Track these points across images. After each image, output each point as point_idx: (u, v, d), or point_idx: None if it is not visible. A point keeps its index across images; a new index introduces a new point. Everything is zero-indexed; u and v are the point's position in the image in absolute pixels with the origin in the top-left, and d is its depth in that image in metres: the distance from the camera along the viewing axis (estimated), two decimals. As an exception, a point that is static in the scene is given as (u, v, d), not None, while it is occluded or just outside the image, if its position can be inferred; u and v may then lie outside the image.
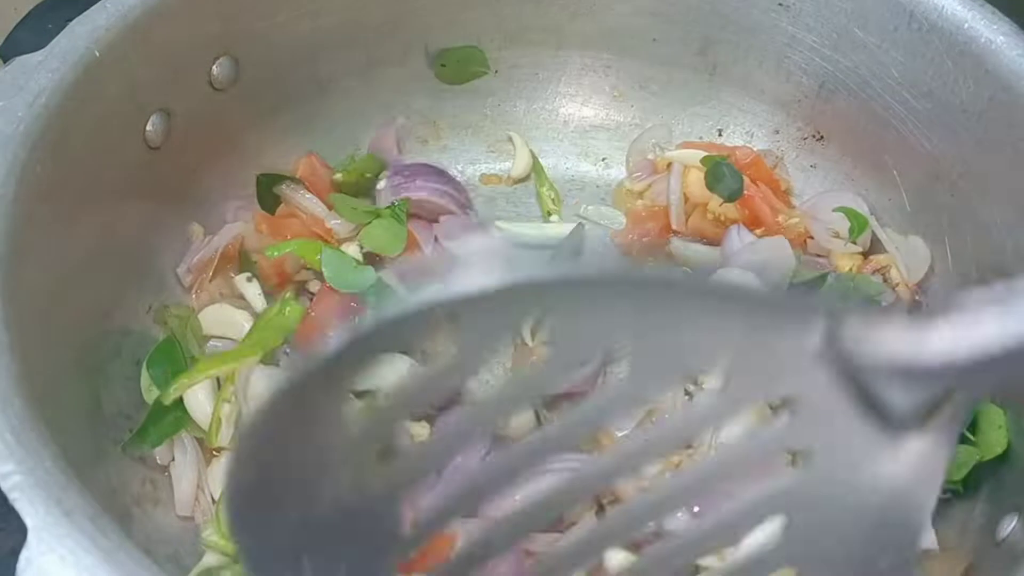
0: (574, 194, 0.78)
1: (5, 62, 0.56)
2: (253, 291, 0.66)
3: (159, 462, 0.59)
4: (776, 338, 0.28)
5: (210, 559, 0.55)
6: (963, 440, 0.58)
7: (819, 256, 0.70)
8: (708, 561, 0.38)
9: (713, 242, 0.72)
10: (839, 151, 0.75)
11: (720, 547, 0.34)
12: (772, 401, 0.32)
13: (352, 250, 0.66)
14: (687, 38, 0.76)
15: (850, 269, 0.68)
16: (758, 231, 0.70)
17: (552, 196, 0.78)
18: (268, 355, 0.60)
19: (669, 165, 0.75)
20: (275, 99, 0.71)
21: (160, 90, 0.61)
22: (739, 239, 0.69)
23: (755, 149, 0.76)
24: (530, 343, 0.34)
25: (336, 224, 0.68)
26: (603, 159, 0.80)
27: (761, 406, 0.33)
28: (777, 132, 0.77)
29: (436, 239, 0.70)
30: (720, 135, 0.79)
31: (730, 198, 0.72)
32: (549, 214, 0.77)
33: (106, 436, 0.57)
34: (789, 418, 0.31)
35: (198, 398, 0.59)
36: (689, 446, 0.34)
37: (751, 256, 0.67)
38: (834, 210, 0.71)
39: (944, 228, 0.67)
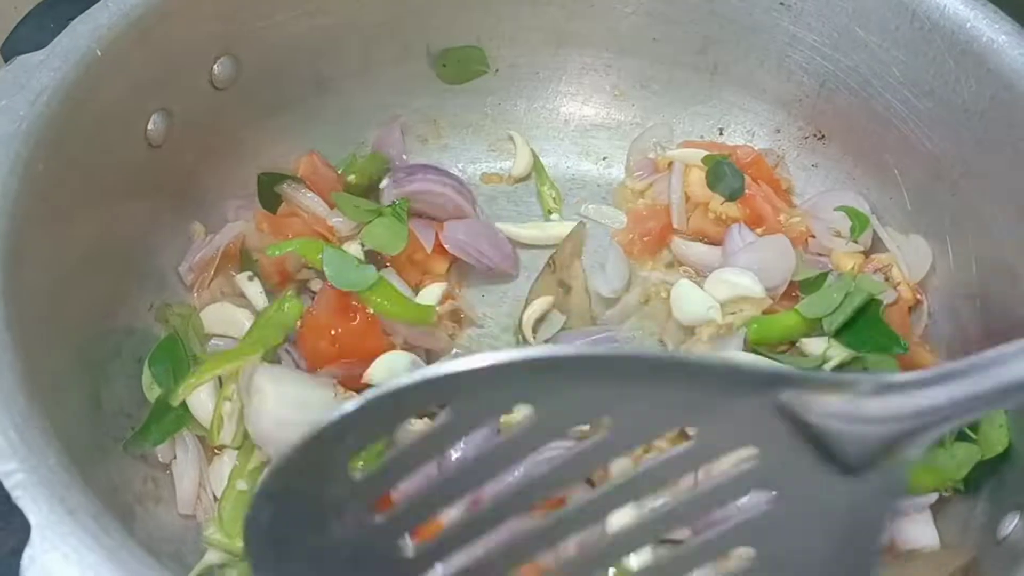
0: (575, 193, 0.79)
1: (6, 61, 0.56)
2: (254, 290, 0.66)
3: (161, 460, 0.59)
4: (741, 400, 0.33)
5: (212, 557, 0.55)
6: (965, 439, 0.58)
7: (820, 255, 0.71)
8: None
9: (714, 241, 0.72)
10: (840, 150, 0.75)
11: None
12: (740, 448, 0.35)
13: (354, 249, 0.66)
14: (688, 37, 0.76)
15: (851, 268, 0.68)
16: (759, 230, 0.70)
17: (553, 195, 0.78)
18: (269, 352, 0.60)
19: (670, 164, 0.75)
20: (276, 98, 0.71)
21: (161, 89, 0.61)
22: (740, 238, 0.69)
23: (756, 148, 0.76)
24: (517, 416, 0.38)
25: (338, 222, 0.68)
26: (604, 158, 0.80)
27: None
28: (778, 131, 0.77)
29: (437, 238, 0.69)
30: (721, 134, 0.79)
31: (731, 197, 0.72)
32: (550, 212, 0.77)
33: (108, 434, 0.57)
34: (756, 464, 0.34)
35: (200, 397, 0.59)
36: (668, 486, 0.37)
37: (752, 255, 0.67)
38: (835, 209, 0.71)
39: (945, 227, 0.67)
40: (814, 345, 0.63)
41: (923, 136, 0.67)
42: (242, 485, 0.56)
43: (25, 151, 0.51)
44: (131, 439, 0.58)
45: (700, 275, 0.71)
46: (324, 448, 0.34)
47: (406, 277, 0.67)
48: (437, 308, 0.65)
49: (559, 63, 0.80)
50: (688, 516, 0.36)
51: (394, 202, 0.69)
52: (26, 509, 0.40)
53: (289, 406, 0.54)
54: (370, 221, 0.67)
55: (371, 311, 0.62)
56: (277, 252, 0.63)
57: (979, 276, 0.65)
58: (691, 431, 0.36)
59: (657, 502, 0.37)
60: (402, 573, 0.37)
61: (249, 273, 0.66)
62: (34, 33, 0.72)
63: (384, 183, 0.72)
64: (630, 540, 0.37)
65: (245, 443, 0.58)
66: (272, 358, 0.61)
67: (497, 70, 0.79)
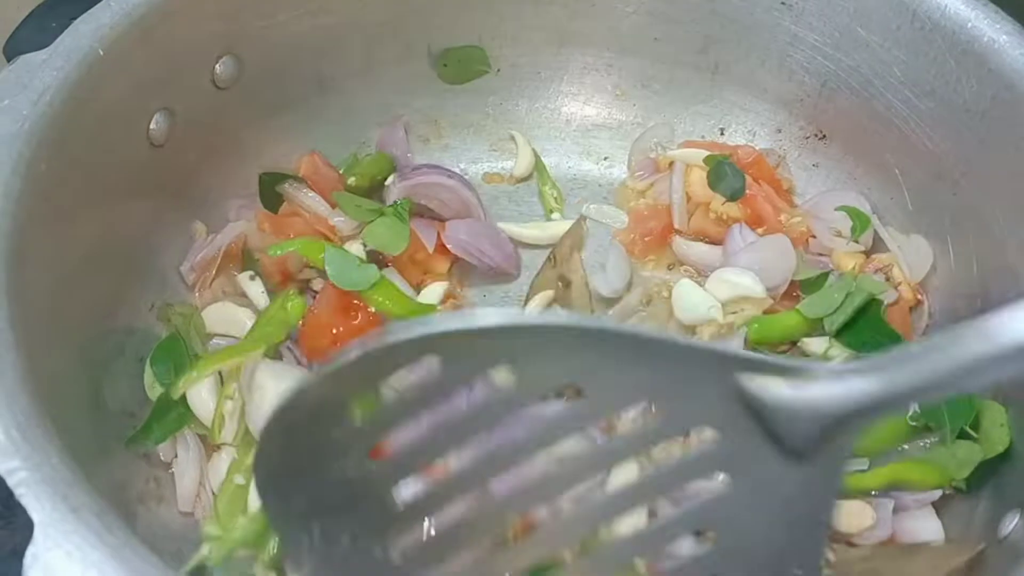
0: (576, 193, 0.79)
1: (9, 60, 0.56)
2: (256, 289, 0.66)
3: (162, 459, 0.60)
4: (702, 380, 0.35)
5: (203, 553, 0.55)
6: (967, 438, 0.59)
7: (821, 255, 0.71)
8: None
9: (715, 241, 0.72)
10: (841, 150, 0.75)
11: (660, 547, 0.40)
12: (699, 429, 0.38)
13: (355, 248, 0.66)
14: (689, 37, 0.76)
15: (852, 268, 0.68)
16: (760, 230, 0.70)
17: (555, 195, 0.78)
18: (271, 350, 0.60)
19: (671, 164, 0.75)
20: (277, 98, 0.71)
21: (163, 89, 0.62)
22: (741, 238, 0.69)
23: (757, 148, 0.76)
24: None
25: (339, 222, 0.68)
26: (605, 158, 0.81)
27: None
28: (779, 131, 0.78)
29: (439, 238, 0.70)
30: (722, 134, 0.79)
31: (732, 197, 0.72)
32: (551, 212, 0.77)
33: (110, 434, 0.57)
34: (715, 445, 0.37)
35: (201, 395, 0.59)
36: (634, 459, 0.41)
37: (753, 255, 0.67)
38: (836, 209, 0.71)
39: (946, 227, 0.68)
40: (815, 345, 0.63)
41: (924, 136, 0.67)
42: (240, 479, 0.56)
43: (28, 151, 0.51)
44: (133, 437, 0.58)
45: (701, 275, 0.71)
46: (327, 391, 0.37)
47: (408, 277, 0.68)
48: (439, 307, 0.65)
49: (561, 63, 0.80)
50: (648, 495, 0.39)
51: (396, 202, 0.70)
52: (29, 507, 0.40)
53: None
54: (371, 221, 0.67)
55: (373, 310, 0.62)
56: (279, 252, 0.64)
57: (980, 276, 0.65)
58: (655, 408, 0.38)
59: (618, 480, 0.39)
60: (392, 523, 0.40)
61: (251, 273, 0.66)
62: (36, 33, 0.72)
63: (390, 180, 0.72)
64: (594, 516, 0.39)
65: (245, 438, 0.58)
66: (274, 355, 0.61)
67: (499, 70, 0.79)
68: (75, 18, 0.56)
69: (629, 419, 0.40)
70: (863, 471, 0.57)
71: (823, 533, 0.39)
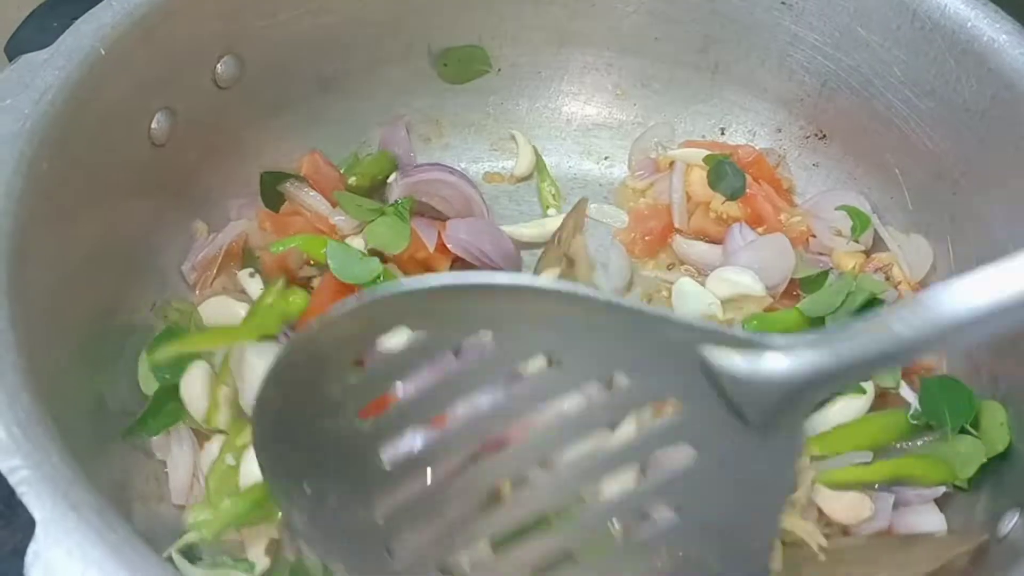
0: (576, 192, 0.79)
1: (11, 60, 0.56)
2: (255, 286, 0.66)
3: (159, 457, 0.60)
4: (669, 350, 0.36)
5: (193, 536, 0.55)
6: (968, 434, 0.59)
7: (821, 254, 0.71)
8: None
9: (715, 241, 0.72)
10: (841, 150, 0.75)
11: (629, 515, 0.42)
12: (667, 399, 0.39)
13: (357, 243, 0.66)
14: (689, 37, 0.76)
15: (853, 268, 0.68)
16: (760, 229, 0.70)
17: (552, 192, 0.78)
18: (264, 340, 0.60)
19: (671, 164, 0.75)
20: (278, 97, 0.71)
21: (165, 88, 0.62)
22: (741, 237, 0.69)
23: (757, 148, 0.76)
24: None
25: (340, 221, 0.68)
26: (605, 157, 0.81)
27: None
28: (779, 131, 0.78)
29: (439, 237, 0.70)
30: (722, 134, 0.79)
31: (732, 197, 0.72)
32: (548, 208, 0.77)
33: (111, 433, 0.57)
34: (681, 416, 0.38)
35: (194, 390, 0.59)
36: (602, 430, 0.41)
37: (752, 254, 0.67)
38: (836, 208, 0.71)
39: (946, 226, 0.68)
40: None
41: (924, 136, 0.67)
42: (230, 460, 0.56)
43: (29, 150, 0.51)
44: (129, 428, 0.58)
45: (701, 274, 0.71)
46: (319, 348, 0.39)
47: (408, 276, 0.68)
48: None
49: (561, 62, 0.80)
50: (616, 463, 0.40)
51: (397, 201, 0.70)
52: (30, 505, 0.40)
53: None
54: (372, 220, 0.67)
55: None
56: (281, 248, 0.64)
57: (980, 275, 0.65)
58: (625, 376, 0.39)
59: (588, 449, 0.40)
60: (375, 484, 0.42)
61: (250, 270, 0.66)
62: (38, 32, 0.72)
63: (392, 178, 0.73)
64: (566, 483, 0.41)
65: (236, 419, 0.58)
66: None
67: (499, 69, 0.79)
68: (76, 18, 0.56)
69: (598, 388, 0.41)
70: (865, 464, 0.57)
71: (781, 503, 0.41)
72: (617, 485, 0.43)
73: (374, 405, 0.41)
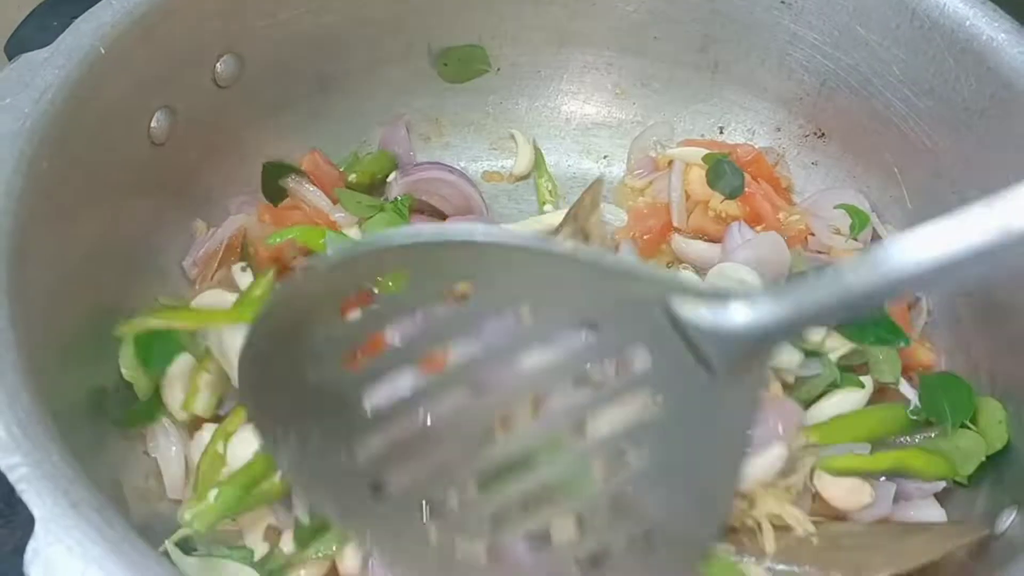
0: (576, 191, 0.78)
1: (11, 59, 0.57)
2: (247, 280, 0.66)
3: (151, 455, 0.60)
4: (637, 300, 0.37)
5: (187, 530, 0.55)
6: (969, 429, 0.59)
7: (820, 253, 0.71)
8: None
9: (714, 239, 0.72)
10: (840, 148, 0.75)
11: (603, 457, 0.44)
12: (636, 347, 0.40)
13: (353, 233, 0.66)
14: (689, 36, 0.76)
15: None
16: (759, 228, 0.71)
17: (549, 187, 0.78)
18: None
19: (670, 162, 0.75)
20: (278, 97, 0.71)
21: (164, 87, 0.62)
22: (740, 236, 0.69)
23: (756, 147, 0.76)
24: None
25: (340, 217, 0.68)
26: (605, 156, 0.81)
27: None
28: (778, 129, 0.78)
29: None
30: (721, 132, 0.79)
31: (731, 195, 0.72)
32: (544, 204, 0.77)
33: (109, 431, 0.58)
34: (647, 365, 0.40)
35: (174, 382, 0.60)
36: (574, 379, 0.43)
37: (749, 251, 0.67)
38: (835, 207, 0.71)
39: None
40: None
41: (923, 134, 0.67)
42: (220, 447, 0.56)
43: (29, 149, 0.51)
44: (118, 418, 0.58)
45: (700, 272, 0.71)
46: (304, 298, 0.41)
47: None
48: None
49: (561, 62, 0.80)
50: (588, 409, 0.42)
51: (396, 198, 0.70)
52: (30, 503, 0.40)
53: None
54: (371, 216, 0.67)
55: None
56: (279, 239, 0.64)
57: (978, 273, 0.65)
58: (597, 325, 0.40)
59: (561, 396, 0.42)
60: (361, 427, 0.44)
61: (242, 264, 0.66)
62: (38, 31, 0.72)
63: (392, 176, 0.73)
64: (542, 428, 0.44)
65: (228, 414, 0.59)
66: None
67: (499, 69, 0.79)
68: (76, 17, 0.57)
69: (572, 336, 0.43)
70: (865, 455, 0.58)
71: (744, 447, 0.43)
72: (591, 428, 0.45)
73: (356, 353, 0.43)
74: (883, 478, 0.58)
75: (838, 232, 0.70)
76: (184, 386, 0.59)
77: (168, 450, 0.59)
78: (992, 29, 0.62)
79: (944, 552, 0.54)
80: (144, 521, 0.55)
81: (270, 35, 0.68)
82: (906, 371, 0.62)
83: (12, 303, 0.47)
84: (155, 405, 0.60)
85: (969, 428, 0.59)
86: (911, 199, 0.70)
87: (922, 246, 0.32)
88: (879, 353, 0.62)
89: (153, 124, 0.62)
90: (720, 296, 0.36)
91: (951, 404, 0.59)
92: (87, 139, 0.56)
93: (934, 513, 0.59)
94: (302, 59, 0.71)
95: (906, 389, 0.62)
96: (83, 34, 0.56)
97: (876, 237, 0.71)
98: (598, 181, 0.73)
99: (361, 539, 0.51)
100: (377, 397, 0.43)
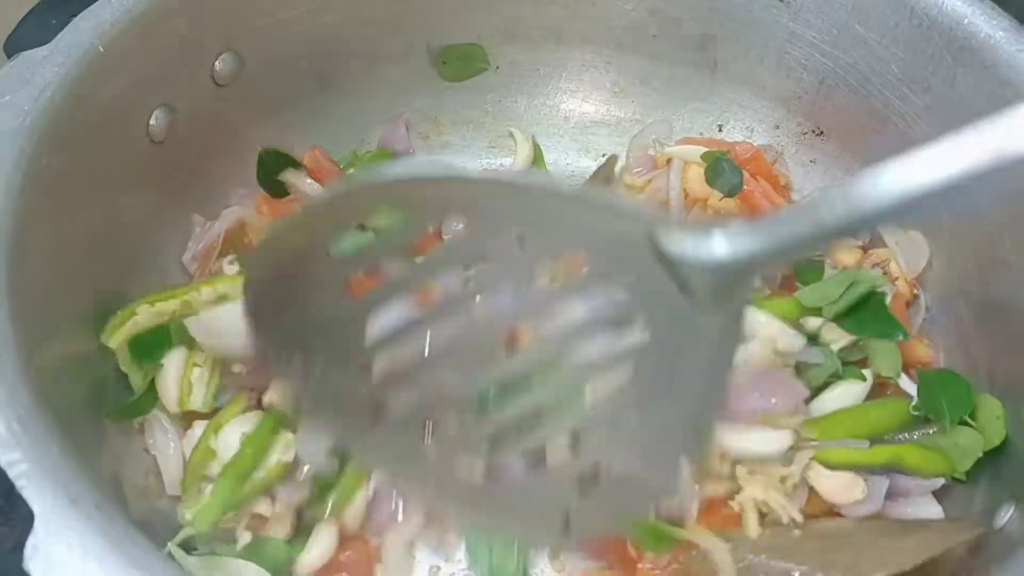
0: (575, 190, 0.79)
1: (10, 57, 0.57)
2: (235, 271, 0.66)
3: (150, 452, 0.60)
4: (623, 232, 0.39)
5: (191, 529, 0.55)
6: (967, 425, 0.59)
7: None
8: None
9: (713, 237, 0.72)
10: (839, 146, 0.75)
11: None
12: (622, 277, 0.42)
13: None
14: (687, 34, 0.76)
15: (853, 263, 0.68)
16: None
17: (544, 180, 0.78)
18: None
19: (669, 160, 0.75)
20: (277, 95, 0.71)
21: (163, 85, 0.62)
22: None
23: (755, 144, 0.76)
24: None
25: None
26: (603, 154, 0.81)
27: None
28: (777, 127, 0.78)
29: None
30: (720, 130, 0.79)
31: (730, 193, 0.72)
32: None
33: (109, 428, 0.58)
34: (633, 294, 0.42)
35: (169, 377, 0.60)
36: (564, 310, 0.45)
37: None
38: (834, 204, 0.71)
39: (943, 223, 0.68)
40: (813, 322, 0.63)
41: (921, 132, 0.68)
42: (212, 442, 0.57)
43: (29, 146, 0.52)
44: (114, 411, 0.58)
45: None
46: (303, 229, 0.42)
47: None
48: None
49: (560, 60, 0.80)
50: (579, 334, 0.44)
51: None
52: (30, 499, 0.41)
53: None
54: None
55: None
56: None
57: (976, 271, 0.65)
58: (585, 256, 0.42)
59: (553, 323, 0.44)
60: (364, 356, 0.46)
61: (230, 257, 0.66)
62: (37, 30, 0.72)
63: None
64: (536, 353, 0.45)
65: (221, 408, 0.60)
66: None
67: (498, 67, 0.80)
68: (75, 15, 0.57)
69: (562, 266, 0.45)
70: (863, 449, 0.58)
71: (726, 374, 0.44)
72: (581, 353, 0.46)
73: (354, 284, 0.45)
74: (877, 475, 0.58)
75: (837, 229, 0.70)
76: (178, 378, 0.60)
77: (167, 447, 0.59)
78: (990, 27, 0.62)
79: (940, 551, 0.54)
80: (143, 518, 0.55)
81: (269, 33, 0.68)
82: (905, 368, 0.63)
83: (12, 299, 0.48)
84: (151, 398, 0.60)
85: (967, 424, 0.59)
86: (909, 197, 0.70)
87: (895, 180, 0.33)
88: (879, 347, 0.62)
89: (152, 122, 0.62)
90: (702, 229, 0.38)
91: (949, 401, 0.59)
92: (86, 137, 0.56)
93: (932, 510, 0.60)
94: (301, 57, 0.71)
95: (907, 384, 0.62)
96: (82, 32, 0.56)
97: (875, 234, 0.71)
98: (612, 157, 0.74)
99: (364, 460, 0.54)
100: (376, 325, 0.45)
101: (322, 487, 0.57)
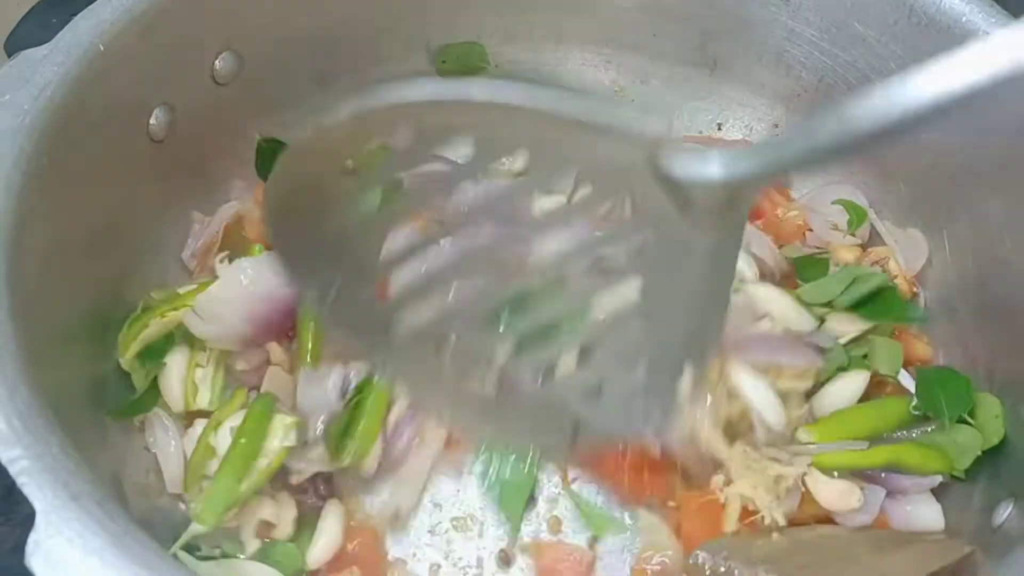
0: (575, 188, 0.79)
1: (10, 56, 0.57)
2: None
3: (151, 450, 0.60)
4: (626, 152, 0.39)
5: (197, 528, 0.55)
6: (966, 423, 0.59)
7: (818, 248, 0.71)
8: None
9: (713, 235, 0.72)
10: (838, 145, 0.75)
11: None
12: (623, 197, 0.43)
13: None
14: (687, 33, 0.76)
15: (852, 261, 0.68)
16: (758, 223, 0.71)
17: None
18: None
19: (669, 159, 0.75)
20: (277, 94, 0.71)
21: (163, 84, 0.62)
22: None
23: (754, 143, 0.76)
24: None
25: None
26: (603, 154, 0.81)
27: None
28: (776, 126, 0.78)
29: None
30: (720, 129, 0.79)
31: (730, 191, 0.72)
32: (542, 199, 0.77)
33: (110, 426, 0.58)
34: (637, 209, 0.42)
35: (172, 378, 0.60)
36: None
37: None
38: (833, 202, 0.72)
39: (942, 220, 0.68)
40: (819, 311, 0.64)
41: (920, 130, 0.67)
42: (212, 440, 0.57)
43: (29, 145, 0.52)
44: (115, 409, 0.59)
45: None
46: (317, 151, 0.43)
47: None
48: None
49: (559, 59, 0.80)
50: (587, 250, 0.45)
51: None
52: (31, 495, 0.41)
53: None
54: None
55: None
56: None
57: (976, 269, 0.65)
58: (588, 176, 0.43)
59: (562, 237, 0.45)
60: (381, 273, 0.47)
61: (222, 255, 0.66)
62: (37, 29, 0.72)
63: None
64: (542, 268, 0.46)
65: (220, 396, 0.60)
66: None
67: (497, 66, 0.79)
68: (75, 14, 0.57)
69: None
70: (862, 450, 0.58)
71: (727, 289, 0.46)
72: (587, 269, 0.47)
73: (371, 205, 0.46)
74: (874, 483, 0.59)
75: (836, 228, 0.71)
76: (181, 377, 0.60)
77: (168, 445, 0.60)
78: (989, 25, 0.62)
79: (929, 572, 0.54)
80: (144, 516, 0.55)
81: (269, 32, 0.68)
82: (904, 365, 0.63)
83: (12, 297, 0.48)
84: (152, 396, 0.60)
85: (966, 423, 0.59)
86: (908, 195, 0.71)
87: (878, 104, 0.33)
88: (880, 344, 0.62)
89: (152, 121, 0.62)
90: (701, 151, 0.39)
91: (948, 399, 0.59)
92: (86, 136, 0.56)
93: (931, 509, 0.60)
94: (301, 57, 0.71)
95: (907, 381, 0.62)
96: (82, 31, 0.56)
97: (874, 232, 0.71)
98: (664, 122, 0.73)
99: (383, 371, 0.57)
100: (392, 243, 0.46)
101: (338, 439, 0.58)
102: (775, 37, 0.73)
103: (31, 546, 0.39)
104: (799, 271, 0.66)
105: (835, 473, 0.57)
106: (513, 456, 0.63)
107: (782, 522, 0.56)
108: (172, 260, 0.67)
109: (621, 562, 0.61)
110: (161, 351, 0.60)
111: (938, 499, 0.60)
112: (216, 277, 0.64)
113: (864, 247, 0.71)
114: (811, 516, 0.59)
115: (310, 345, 0.61)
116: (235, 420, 0.57)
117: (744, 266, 0.64)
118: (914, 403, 0.60)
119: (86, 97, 0.55)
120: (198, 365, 0.60)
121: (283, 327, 0.61)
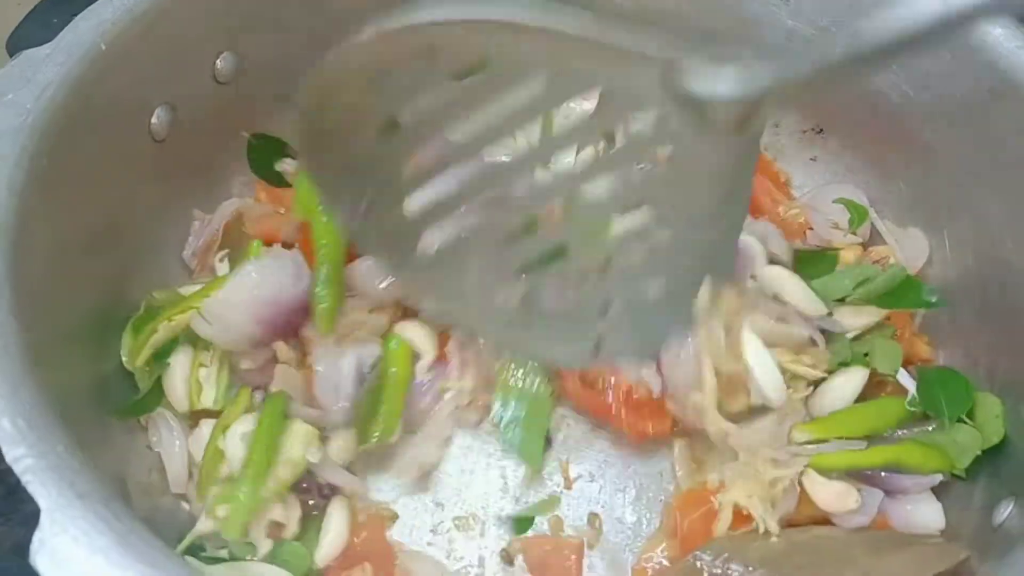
0: (575, 187, 0.79)
1: (11, 56, 0.57)
2: (225, 270, 0.66)
3: (154, 449, 0.60)
4: (643, 67, 0.40)
5: (203, 526, 0.56)
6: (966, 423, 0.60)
7: (819, 246, 0.71)
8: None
9: (713, 234, 0.72)
10: (839, 144, 0.75)
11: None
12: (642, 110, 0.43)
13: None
14: (686, 32, 0.76)
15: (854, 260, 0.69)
16: (760, 219, 0.71)
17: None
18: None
19: (669, 159, 0.75)
20: (278, 93, 0.71)
21: (165, 84, 0.62)
22: (739, 231, 0.69)
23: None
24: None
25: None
26: (604, 153, 0.81)
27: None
28: (777, 125, 0.78)
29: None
30: (720, 128, 0.79)
31: (730, 190, 0.72)
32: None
33: (113, 426, 0.58)
34: (654, 127, 0.42)
35: (176, 378, 0.60)
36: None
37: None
38: (834, 201, 0.72)
39: (943, 220, 0.68)
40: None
41: (920, 129, 0.68)
42: (220, 443, 0.57)
43: (31, 144, 0.52)
44: (119, 408, 0.59)
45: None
46: (339, 72, 0.45)
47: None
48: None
49: (559, 58, 0.80)
50: (608, 165, 0.45)
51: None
52: (35, 494, 0.41)
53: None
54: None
55: None
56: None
57: (976, 268, 0.65)
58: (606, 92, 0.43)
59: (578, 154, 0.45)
60: (408, 190, 0.47)
61: (222, 253, 0.67)
62: (38, 28, 0.72)
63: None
64: (562, 184, 0.46)
65: (225, 396, 0.60)
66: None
67: (497, 65, 0.79)
68: (77, 14, 0.57)
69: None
70: (861, 450, 0.58)
71: (744, 200, 0.47)
72: (606, 186, 0.47)
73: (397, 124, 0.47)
74: (872, 485, 0.59)
75: (837, 226, 0.71)
76: (185, 377, 0.60)
77: (171, 445, 0.60)
78: (989, 24, 0.62)
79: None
80: (147, 515, 0.55)
81: (270, 32, 0.68)
82: (904, 364, 0.63)
83: (14, 296, 0.48)
84: (156, 396, 0.60)
85: (966, 423, 0.59)
86: (909, 194, 0.71)
87: (887, 19, 0.34)
88: (880, 344, 0.62)
89: (153, 120, 0.62)
90: (716, 65, 0.39)
91: (948, 398, 0.60)
92: (88, 135, 0.56)
93: (931, 508, 0.60)
94: (302, 56, 0.71)
95: (905, 380, 0.62)
96: (83, 31, 0.56)
97: (874, 231, 0.71)
98: None
99: (411, 288, 0.59)
100: (418, 161, 0.47)
101: (364, 424, 0.59)
102: (775, 36, 0.73)
103: (36, 544, 0.39)
104: (800, 267, 0.66)
105: (833, 474, 0.57)
106: (532, 385, 0.64)
107: (775, 531, 0.57)
108: (173, 259, 0.67)
109: (622, 561, 0.61)
110: (165, 352, 0.60)
111: (938, 498, 0.60)
112: (216, 276, 0.64)
113: (865, 246, 0.71)
114: (808, 517, 0.59)
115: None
116: (243, 423, 0.57)
117: (756, 249, 0.64)
118: (909, 399, 0.60)
119: (88, 97, 0.55)
120: (202, 364, 0.60)
121: (290, 327, 0.61)
